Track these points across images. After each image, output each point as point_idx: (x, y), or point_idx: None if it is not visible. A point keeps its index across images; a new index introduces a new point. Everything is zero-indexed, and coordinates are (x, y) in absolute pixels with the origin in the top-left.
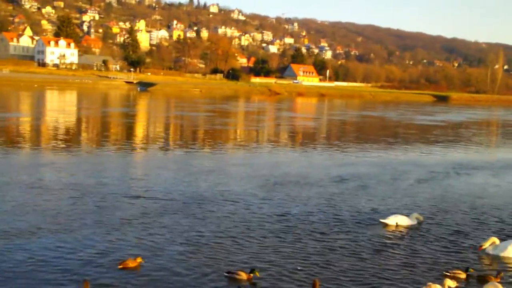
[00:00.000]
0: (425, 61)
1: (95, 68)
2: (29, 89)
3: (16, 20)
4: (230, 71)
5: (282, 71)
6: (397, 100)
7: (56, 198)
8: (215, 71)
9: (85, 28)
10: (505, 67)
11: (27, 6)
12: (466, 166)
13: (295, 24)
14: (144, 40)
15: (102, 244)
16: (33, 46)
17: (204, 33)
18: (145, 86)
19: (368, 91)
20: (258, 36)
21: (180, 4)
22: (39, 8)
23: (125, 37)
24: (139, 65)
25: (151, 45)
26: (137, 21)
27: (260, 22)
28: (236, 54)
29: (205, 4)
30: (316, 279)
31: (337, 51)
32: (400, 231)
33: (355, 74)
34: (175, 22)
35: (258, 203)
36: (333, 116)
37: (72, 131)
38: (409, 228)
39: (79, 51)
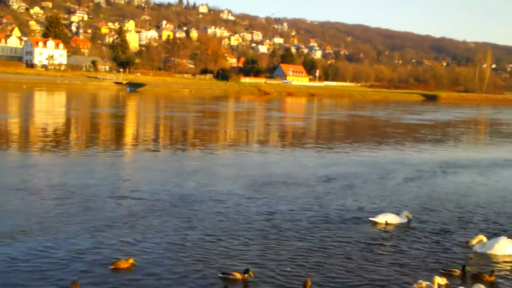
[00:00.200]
0: (414, 60)
1: (84, 69)
2: (17, 90)
3: (4, 20)
4: (220, 71)
5: (271, 71)
6: (386, 100)
7: (42, 200)
8: (204, 71)
9: (73, 28)
10: (493, 66)
11: (15, 6)
12: (453, 165)
13: (285, 24)
14: (133, 40)
15: (90, 245)
16: (21, 47)
17: (194, 33)
18: (134, 86)
19: (357, 91)
20: (247, 36)
21: (169, 4)
22: (27, 9)
23: (114, 37)
24: (129, 66)
25: (140, 45)
26: (126, 21)
27: (249, 22)
28: (225, 54)
29: (194, 4)
30: (307, 279)
31: (327, 51)
32: (390, 230)
33: (345, 73)
34: (164, 22)
35: (246, 203)
36: (322, 116)
37: (60, 132)
38: (399, 226)
39: (67, 51)
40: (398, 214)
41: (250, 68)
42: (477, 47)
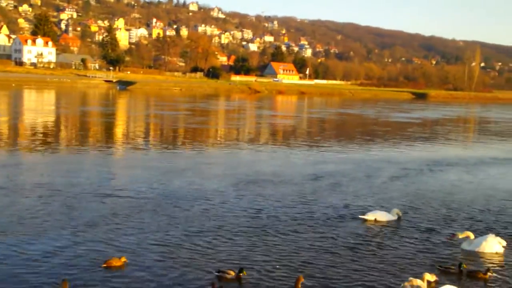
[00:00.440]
0: (403, 59)
1: (73, 67)
2: (6, 88)
3: None
4: (210, 70)
5: (262, 69)
6: (376, 98)
7: (26, 198)
8: (195, 69)
9: (63, 26)
10: (482, 64)
11: (3, 4)
12: (440, 163)
13: (275, 22)
14: (123, 38)
15: (79, 244)
16: (9, 44)
17: (184, 32)
18: (124, 84)
19: (347, 89)
20: (238, 34)
21: (159, 2)
22: (15, 6)
23: (104, 35)
24: (118, 64)
25: (130, 43)
26: (116, 19)
27: (240, 20)
28: (216, 53)
29: (184, 2)
30: (300, 275)
31: (317, 49)
32: (379, 227)
33: (335, 72)
34: (154, 20)
35: (233, 202)
36: (312, 114)
37: (48, 131)
38: (388, 223)
39: (57, 49)
40: (388, 211)
41: (241, 66)
42: (466, 46)
